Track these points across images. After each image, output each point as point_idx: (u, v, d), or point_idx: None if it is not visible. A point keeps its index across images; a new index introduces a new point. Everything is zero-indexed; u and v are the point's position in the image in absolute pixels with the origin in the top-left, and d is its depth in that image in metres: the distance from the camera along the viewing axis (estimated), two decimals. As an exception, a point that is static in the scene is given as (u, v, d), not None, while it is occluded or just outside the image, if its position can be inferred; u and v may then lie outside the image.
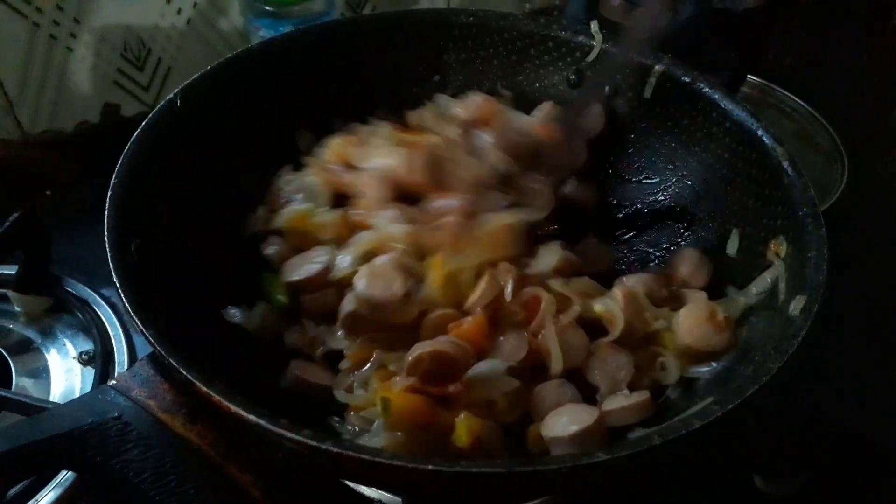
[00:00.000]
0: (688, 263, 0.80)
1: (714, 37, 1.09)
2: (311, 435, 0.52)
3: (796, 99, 1.22)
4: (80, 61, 1.10)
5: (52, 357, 0.90)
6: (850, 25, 1.46)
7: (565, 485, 0.57)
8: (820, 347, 0.80)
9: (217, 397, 0.53)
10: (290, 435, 0.51)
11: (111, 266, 0.63)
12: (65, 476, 0.73)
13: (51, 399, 0.84)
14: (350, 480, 0.67)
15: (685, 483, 0.79)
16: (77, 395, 0.86)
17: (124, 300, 0.60)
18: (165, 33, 1.14)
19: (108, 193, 0.69)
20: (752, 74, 1.24)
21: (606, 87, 0.93)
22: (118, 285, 0.61)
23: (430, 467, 0.50)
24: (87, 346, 0.91)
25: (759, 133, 0.79)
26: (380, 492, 0.78)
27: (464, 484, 0.51)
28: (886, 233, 1.08)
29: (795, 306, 0.64)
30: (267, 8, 1.03)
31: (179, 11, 1.14)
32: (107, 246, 0.64)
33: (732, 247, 0.80)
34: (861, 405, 0.86)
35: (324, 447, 0.51)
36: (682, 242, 0.86)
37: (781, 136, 0.78)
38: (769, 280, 0.72)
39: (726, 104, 0.83)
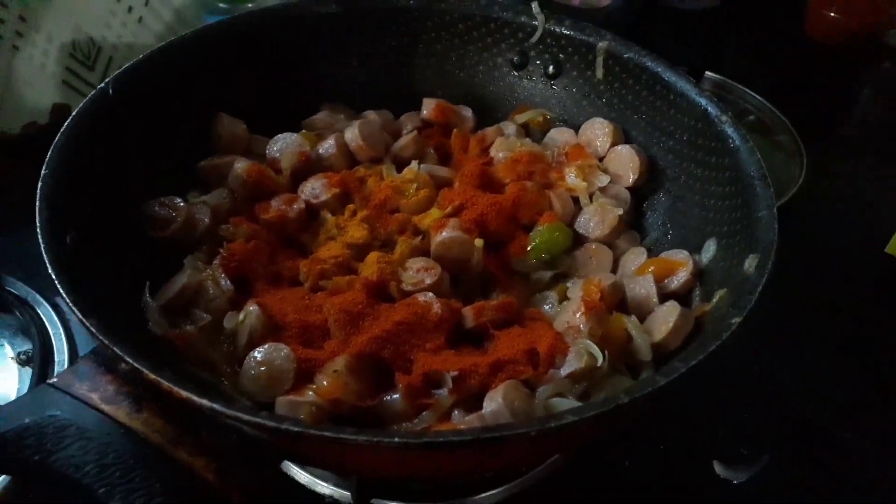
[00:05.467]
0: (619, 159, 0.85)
1: (671, 35, 1.11)
2: (269, 416, 0.49)
3: (756, 96, 1.23)
4: (27, 60, 1.05)
5: (-12, 358, 0.86)
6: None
7: (535, 448, 0.56)
8: (778, 337, 0.82)
9: (167, 384, 0.51)
10: (247, 417, 0.49)
11: (45, 258, 0.59)
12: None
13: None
14: (309, 462, 0.64)
15: (647, 469, 0.79)
16: (14, 396, 0.82)
17: (60, 290, 0.57)
18: (116, 31, 1.10)
19: (38, 185, 0.65)
20: (710, 71, 1.26)
21: (550, 67, 0.93)
22: (53, 276, 0.58)
23: (397, 440, 0.48)
24: (26, 346, 0.87)
25: (703, 103, 0.80)
26: (332, 487, 0.77)
27: (431, 455, 0.49)
28: (843, 227, 1.10)
29: (750, 264, 0.64)
30: (221, 5, 1.01)
31: (130, 9, 1.10)
32: (39, 238, 0.61)
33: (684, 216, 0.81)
34: (816, 393, 0.88)
35: (283, 427, 0.48)
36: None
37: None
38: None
39: (669, 76, 0.83)
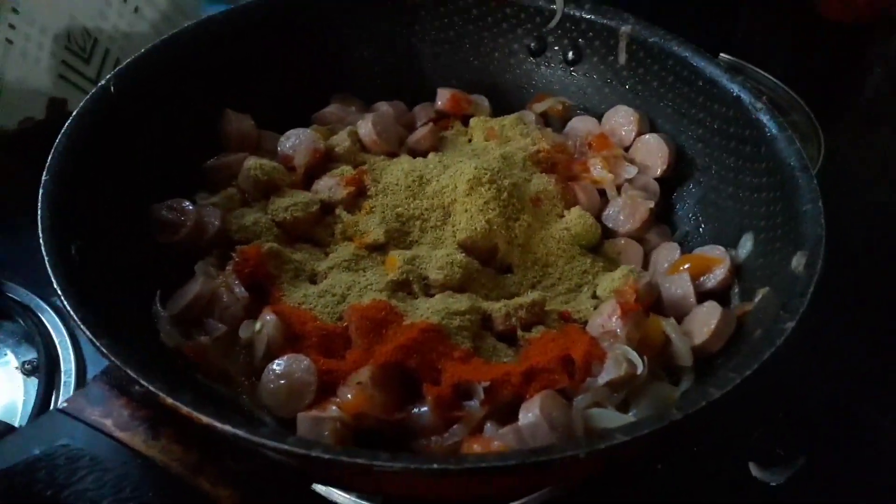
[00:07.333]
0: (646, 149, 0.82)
1: (683, 16, 1.06)
2: (296, 442, 0.46)
3: (770, 77, 1.20)
4: (22, 55, 1.01)
5: (-8, 368, 0.83)
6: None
7: (581, 468, 0.53)
8: (808, 333, 0.79)
9: (186, 409, 0.47)
10: (273, 444, 0.46)
11: (50, 273, 0.56)
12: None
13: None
14: (337, 485, 0.61)
15: (682, 473, 0.77)
16: (20, 408, 0.79)
17: (69, 309, 0.53)
18: (112, 22, 1.06)
19: (40, 191, 0.61)
20: (724, 52, 1.22)
21: (570, 53, 0.89)
22: (60, 294, 0.55)
23: (435, 466, 0.45)
24: (31, 354, 0.84)
25: (735, 90, 0.76)
26: (355, 500, 0.73)
27: (466, 480, 0.46)
28: (863, 209, 1.07)
29: (798, 263, 0.60)
30: (221, -7, 0.97)
31: (126, -1, 1.06)
32: (43, 250, 0.57)
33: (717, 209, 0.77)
34: (851, 391, 0.85)
35: (313, 455, 0.45)
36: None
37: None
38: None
39: (698, 62, 0.80)
